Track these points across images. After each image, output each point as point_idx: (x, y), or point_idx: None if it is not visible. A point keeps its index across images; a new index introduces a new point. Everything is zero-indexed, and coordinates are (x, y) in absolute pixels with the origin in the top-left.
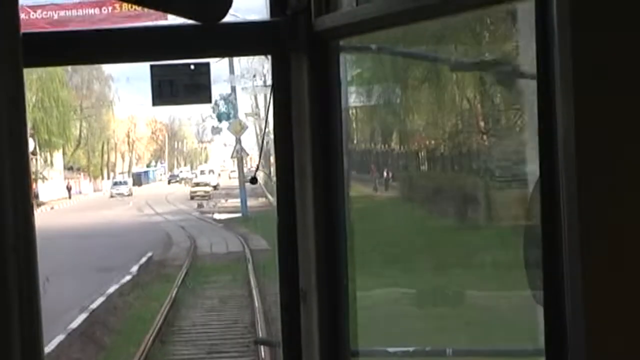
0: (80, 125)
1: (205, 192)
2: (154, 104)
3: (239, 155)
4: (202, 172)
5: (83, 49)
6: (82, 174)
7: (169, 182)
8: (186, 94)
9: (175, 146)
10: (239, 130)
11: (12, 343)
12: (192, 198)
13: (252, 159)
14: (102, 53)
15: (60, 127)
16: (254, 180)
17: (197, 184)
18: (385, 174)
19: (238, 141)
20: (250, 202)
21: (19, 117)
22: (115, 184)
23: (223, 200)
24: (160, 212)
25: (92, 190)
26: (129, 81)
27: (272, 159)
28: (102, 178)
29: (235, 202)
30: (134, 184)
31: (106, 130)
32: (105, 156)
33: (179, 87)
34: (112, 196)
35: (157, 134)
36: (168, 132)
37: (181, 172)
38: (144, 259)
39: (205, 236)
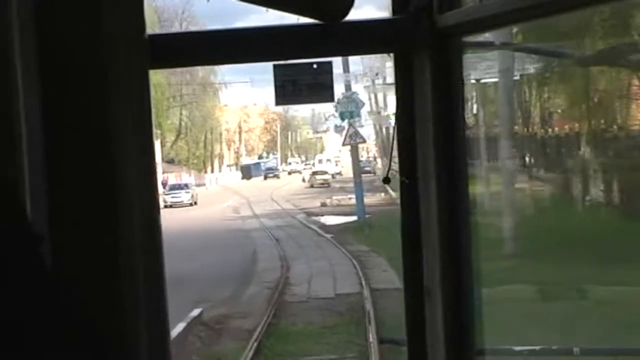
0: (180, 114)
1: (324, 179)
2: (277, 103)
3: (353, 141)
4: (320, 161)
5: (208, 50)
6: (182, 167)
7: (265, 178)
8: (309, 93)
9: (289, 137)
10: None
11: (139, 346)
12: (311, 185)
13: (368, 148)
14: (227, 53)
15: (154, 114)
16: (386, 180)
17: (316, 172)
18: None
19: (351, 125)
20: (368, 199)
21: (145, 119)
22: (173, 188)
23: (336, 199)
24: (258, 214)
25: (194, 185)
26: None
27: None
28: (205, 171)
29: (350, 199)
30: (242, 177)
31: (210, 119)
32: (211, 147)
33: (301, 86)
34: (167, 206)
35: (270, 123)
36: (282, 122)
37: (289, 163)
38: (181, 325)
39: (304, 258)
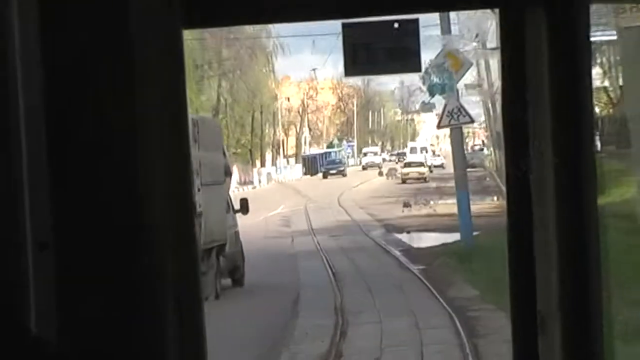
0: (219, 86)
1: (419, 173)
2: (347, 73)
3: (455, 121)
4: (412, 150)
5: (255, 5)
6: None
7: (325, 175)
8: (388, 61)
9: (370, 118)
10: (458, 66)
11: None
12: (403, 181)
13: (476, 133)
14: (279, 10)
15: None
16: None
17: (409, 164)
18: None
19: (449, 100)
20: (477, 206)
21: (178, 88)
22: None
23: (432, 202)
24: (316, 228)
25: (236, 182)
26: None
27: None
28: (254, 164)
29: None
30: (305, 173)
31: (260, 93)
32: (261, 132)
33: (378, 52)
34: None
35: (345, 101)
36: (360, 98)
37: (364, 154)
38: None
39: (373, 313)
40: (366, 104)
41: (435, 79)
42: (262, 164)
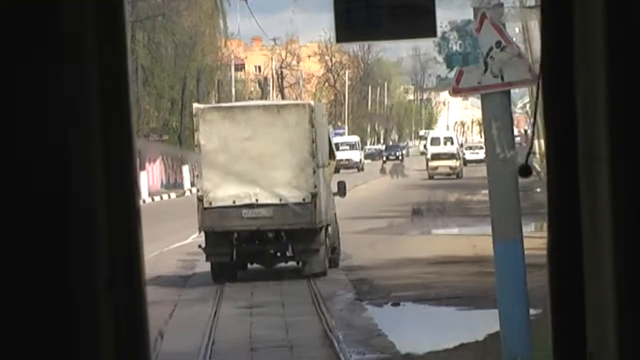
0: (132, 40)
1: (450, 167)
2: (340, 39)
3: (495, 78)
4: (434, 141)
5: None
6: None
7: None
8: (393, 23)
9: (369, 97)
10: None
11: None
12: (430, 177)
13: (518, 121)
14: None
15: None
16: (525, 170)
17: (438, 156)
18: None
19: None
20: (527, 241)
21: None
22: None
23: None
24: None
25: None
26: None
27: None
28: (184, 159)
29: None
30: None
31: (199, 53)
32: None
33: (380, 12)
34: None
35: (335, 72)
36: (356, 70)
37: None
38: None
39: None
40: (364, 77)
41: (455, 47)
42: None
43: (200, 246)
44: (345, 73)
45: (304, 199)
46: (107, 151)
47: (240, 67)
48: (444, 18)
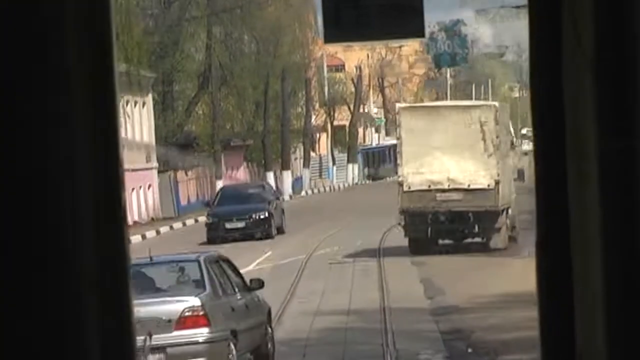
0: (209, 39)
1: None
2: (327, 39)
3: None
4: None
5: None
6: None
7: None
8: (382, 23)
9: (474, 95)
10: None
11: None
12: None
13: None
14: None
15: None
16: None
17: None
18: None
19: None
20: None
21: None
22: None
23: None
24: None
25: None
26: None
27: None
28: (269, 167)
29: None
30: (367, 176)
31: (283, 50)
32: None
33: (369, 12)
34: None
35: (435, 70)
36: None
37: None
38: None
39: None
40: (467, 73)
41: (444, 47)
42: (285, 166)
43: (399, 223)
44: (447, 71)
45: (488, 185)
46: (93, 149)
47: (340, 67)
48: (432, 19)
